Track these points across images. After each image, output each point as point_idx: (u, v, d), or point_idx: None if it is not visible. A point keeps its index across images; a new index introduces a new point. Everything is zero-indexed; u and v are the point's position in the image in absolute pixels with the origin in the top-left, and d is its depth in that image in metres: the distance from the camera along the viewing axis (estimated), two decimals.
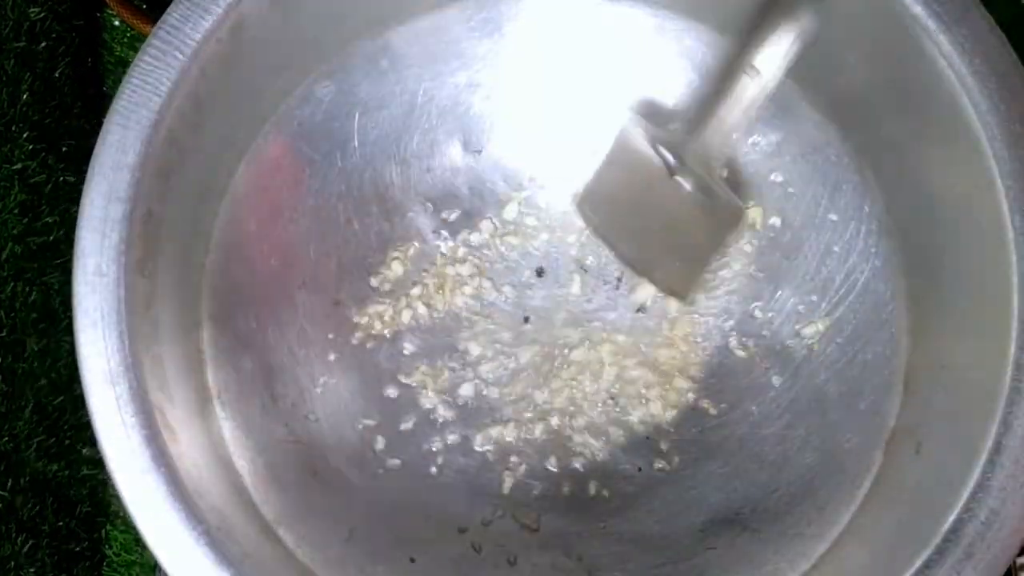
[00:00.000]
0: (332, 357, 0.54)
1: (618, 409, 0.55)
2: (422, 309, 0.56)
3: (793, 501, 0.51)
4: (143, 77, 0.46)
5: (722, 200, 0.51)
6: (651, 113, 0.55)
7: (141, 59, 0.46)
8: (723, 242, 0.54)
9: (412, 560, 0.51)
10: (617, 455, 0.54)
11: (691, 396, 0.55)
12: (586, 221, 0.56)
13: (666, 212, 0.52)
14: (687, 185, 0.50)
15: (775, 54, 0.47)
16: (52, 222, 0.61)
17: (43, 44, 0.62)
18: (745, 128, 0.50)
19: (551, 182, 0.57)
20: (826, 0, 0.47)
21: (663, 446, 0.54)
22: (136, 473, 0.44)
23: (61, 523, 0.60)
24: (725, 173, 0.54)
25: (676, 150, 0.50)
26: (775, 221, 0.55)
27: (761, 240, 0.55)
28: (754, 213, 0.55)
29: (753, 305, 0.55)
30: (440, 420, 0.55)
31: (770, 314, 0.55)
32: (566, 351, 0.56)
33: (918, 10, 0.47)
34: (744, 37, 0.48)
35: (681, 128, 0.52)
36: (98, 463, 0.60)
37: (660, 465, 0.54)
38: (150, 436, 0.44)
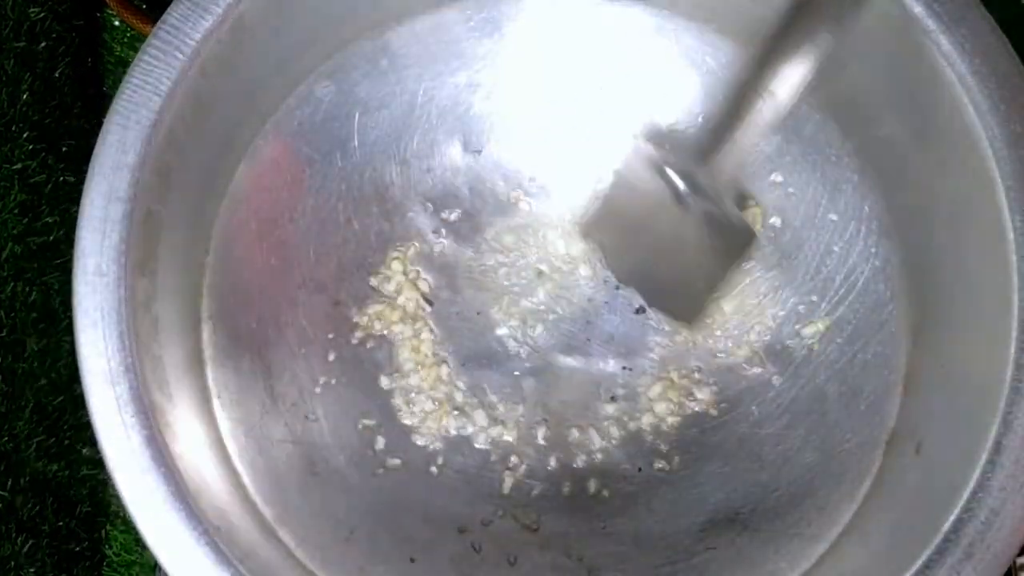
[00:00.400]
0: (332, 357, 0.54)
1: (618, 409, 0.55)
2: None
3: (793, 501, 0.51)
4: (143, 77, 0.46)
5: (734, 226, 0.49)
6: (658, 137, 0.54)
7: (141, 59, 0.46)
8: (733, 268, 0.53)
9: (412, 560, 0.51)
10: (617, 455, 0.54)
11: (691, 396, 0.55)
12: (597, 245, 0.55)
13: (674, 239, 0.50)
14: (697, 211, 0.48)
15: (793, 77, 0.45)
16: (52, 222, 0.61)
17: (43, 44, 0.62)
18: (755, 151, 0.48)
19: (551, 182, 0.57)
20: (847, 23, 0.45)
21: (663, 446, 0.54)
22: (136, 473, 0.44)
23: (61, 523, 0.60)
24: (734, 195, 0.53)
25: (686, 176, 0.48)
26: (775, 221, 0.55)
27: (761, 240, 0.55)
28: (754, 213, 0.55)
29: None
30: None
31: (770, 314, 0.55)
32: (566, 350, 0.55)
33: (918, 10, 0.47)
34: (759, 59, 0.46)
35: (691, 153, 0.49)
36: (98, 463, 0.60)
37: (660, 465, 0.54)
38: (150, 436, 0.44)
